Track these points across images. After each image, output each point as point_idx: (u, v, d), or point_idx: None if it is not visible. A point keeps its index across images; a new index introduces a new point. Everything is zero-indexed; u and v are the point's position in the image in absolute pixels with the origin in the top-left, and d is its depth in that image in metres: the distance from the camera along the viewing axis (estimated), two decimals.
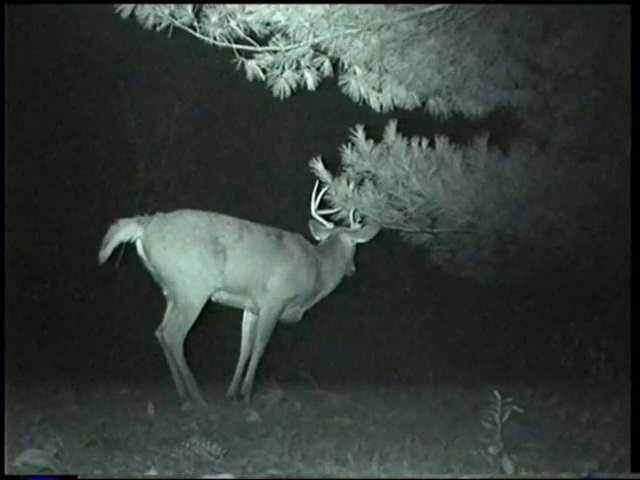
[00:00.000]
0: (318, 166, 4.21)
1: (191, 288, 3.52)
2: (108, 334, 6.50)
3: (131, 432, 2.71)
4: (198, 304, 3.56)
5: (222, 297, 3.81)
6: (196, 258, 3.52)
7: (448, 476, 2.11)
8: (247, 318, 4.05)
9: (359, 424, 3.03)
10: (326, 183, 4.20)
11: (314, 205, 4.29)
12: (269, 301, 3.84)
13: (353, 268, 4.39)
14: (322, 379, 4.15)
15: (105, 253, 3.56)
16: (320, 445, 2.53)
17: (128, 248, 3.67)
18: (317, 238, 4.33)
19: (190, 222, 3.58)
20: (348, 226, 4.31)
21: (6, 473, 2.03)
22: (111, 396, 3.86)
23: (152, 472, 2.10)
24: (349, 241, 4.27)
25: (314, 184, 4.27)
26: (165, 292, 3.69)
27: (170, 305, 3.67)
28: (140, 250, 3.59)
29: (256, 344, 3.87)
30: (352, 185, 4.18)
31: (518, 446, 2.47)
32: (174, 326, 3.50)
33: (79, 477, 2.01)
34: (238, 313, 4.09)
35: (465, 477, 2.07)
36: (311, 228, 4.34)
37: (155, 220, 3.56)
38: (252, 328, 4.00)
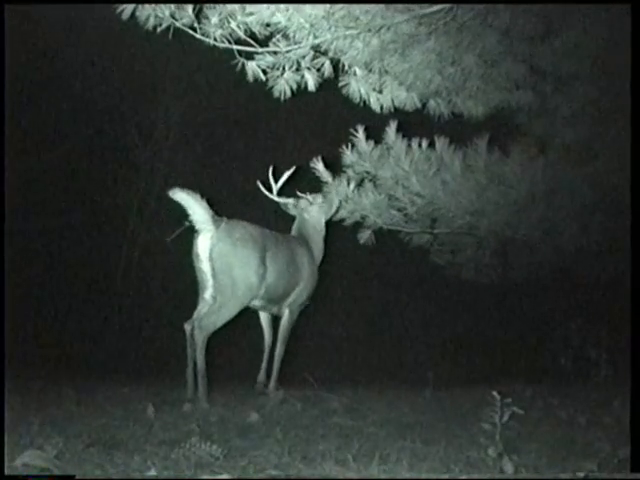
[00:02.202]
0: (319, 166, 4.22)
1: (240, 295, 3.62)
2: (108, 335, 6.51)
3: (131, 433, 2.72)
4: (236, 310, 3.65)
5: (255, 304, 3.92)
6: (254, 270, 3.64)
7: (448, 477, 2.11)
8: (264, 316, 4.21)
9: (359, 424, 3.04)
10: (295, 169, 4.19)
11: (275, 190, 4.24)
12: (292, 309, 4.05)
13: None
14: (322, 379, 4.15)
15: (179, 195, 3.56)
16: (320, 446, 2.53)
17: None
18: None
19: (251, 234, 3.71)
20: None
21: (6, 473, 2.03)
22: (111, 397, 3.85)
23: (152, 473, 2.11)
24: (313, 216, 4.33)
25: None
26: (206, 292, 3.68)
27: (206, 300, 3.69)
28: (204, 248, 3.59)
29: (278, 347, 4.04)
30: (352, 185, 4.19)
31: (518, 447, 2.48)
32: (209, 321, 3.56)
33: (79, 478, 2.01)
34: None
35: (465, 477, 2.08)
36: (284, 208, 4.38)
37: (224, 225, 3.63)
38: (270, 323, 4.20)
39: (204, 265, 3.62)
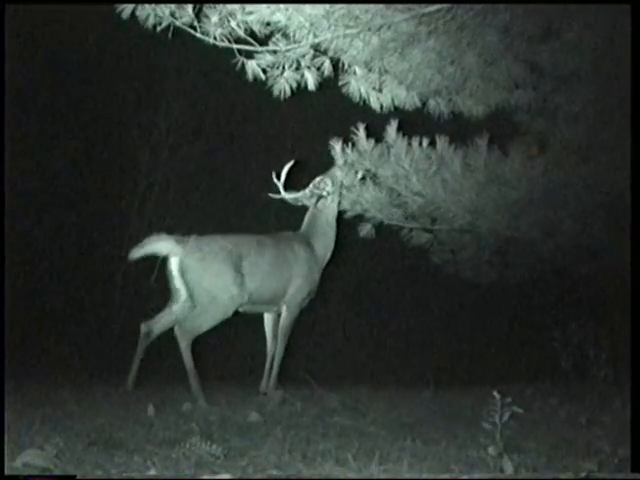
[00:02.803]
0: (337, 146, 4.19)
1: (220, 305, 3.72)
2: (108, 334, 6.50)
3: (131, 432, 2.72)
4: (219, 317, 3.74)
5: (246, 309, 3.97)
6: (231, 280, 3.72)
7: (448, 476, 2.11)
8: (268, 319, 4.18)
9: (359, 424, 3.04)
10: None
11: (281, 186, 4.21)
12: (289, 306, 4.05)
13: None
14: (322, 379, 4.15)
15: (136, 254, 3.72)
16: (320, 445, 2.53)
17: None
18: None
19: (224, 247, 3.79)
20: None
21: (6, 473, 2.03)
22: (111, 396, 3.85)
23: (152, 472, 2.11)
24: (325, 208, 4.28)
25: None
26: (174, 305, 3.82)
27: (172, 312, 3.82)
28: (175, 266, 3.75)
29: (279, 345, 4.05)
30: (360, 174, 4.17)
31: (518, 446, 2.47)
32: (191, 326, 3.66)
33: (79, 478, 2.01)
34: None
35: (465, 477, 2.08)
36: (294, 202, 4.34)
37: (193, 242, 3.75)
38: (274, 327, 4.16)
39: (177, 282, 3.76)
